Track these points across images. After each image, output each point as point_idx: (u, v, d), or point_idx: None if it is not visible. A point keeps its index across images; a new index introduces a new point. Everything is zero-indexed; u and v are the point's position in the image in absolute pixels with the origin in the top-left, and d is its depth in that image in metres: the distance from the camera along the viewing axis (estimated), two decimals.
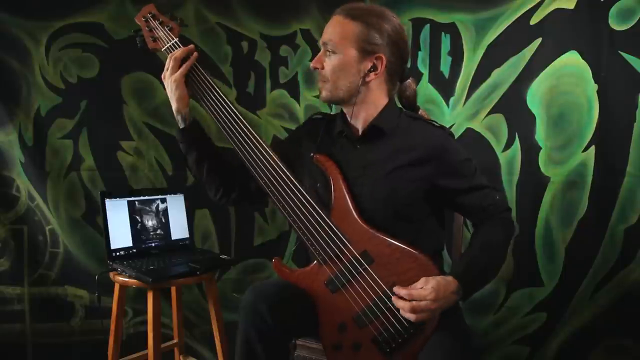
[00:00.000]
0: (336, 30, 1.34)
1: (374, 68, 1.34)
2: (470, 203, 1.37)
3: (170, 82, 1.42)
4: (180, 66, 1.42)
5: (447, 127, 2.09)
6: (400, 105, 1.48)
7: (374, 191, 1.34)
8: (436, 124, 1.41)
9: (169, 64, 1.43)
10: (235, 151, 1.41)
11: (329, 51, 1.35)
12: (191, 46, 1.45)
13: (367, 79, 1.35)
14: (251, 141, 1.38)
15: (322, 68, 1.36)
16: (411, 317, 1.18)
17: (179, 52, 1.43)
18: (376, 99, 1.39)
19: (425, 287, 1.18)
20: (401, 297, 1.20)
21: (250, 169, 1.38)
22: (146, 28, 1.55)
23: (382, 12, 1.36)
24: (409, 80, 1.46)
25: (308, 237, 1.31)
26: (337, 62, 1.34)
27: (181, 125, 1.47)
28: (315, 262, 1.32)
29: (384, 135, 1.37)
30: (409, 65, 2.20)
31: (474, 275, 1.27)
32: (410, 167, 1.34)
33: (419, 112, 1.50)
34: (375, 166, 1.36)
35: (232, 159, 1.50)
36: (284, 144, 1.60)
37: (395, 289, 1.22)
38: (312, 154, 1.40)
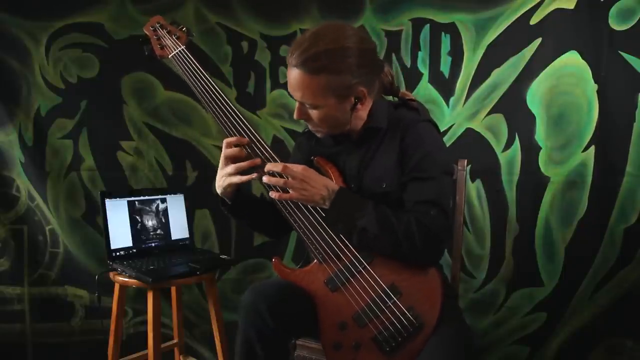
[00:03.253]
0: (307, 91, 1.28)
1: (358, 100, 1.32)
2: (405, 197, 1.31)
3: (228, 181, 1.36)
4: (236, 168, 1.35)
5: (447, 126, 2.12)
6: (383, 92, 1.47)
7: (372, 189, 1.35)
8: (411, 107, 1.40)
9: (227, 160, 1.36)
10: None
11: (308, 107, 1.32)
12: (257, 161, 1.36)
13: (356, 111, 1.34)
14: (253, 143, 1.38)
15: (309, 118, 1.35)
16: (265, 174, 1.30)
17: (245, 164, 1.35)
18: (365, 111, 1.38)
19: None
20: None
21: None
22: (154, 37, 1.59)
23: (340, 45, 1.25)
24: (385, 69, 1.44)
25: (308, 236, 1.32)
26: (322, 115, 1.31)
27: (229, 202, 1.43)
28: (315, 261, 1.32)
29: (377, 133, 1.38)
30: (409, 65, 2.23)
31: (355, 206, 1.27)
32: (390, 154, 1.34)
33: (400, 93, 1.49)
34: (369, 165, 1.37)
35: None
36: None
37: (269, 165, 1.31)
38: (312, 157, 1.42)
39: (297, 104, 1.34)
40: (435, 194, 1.28)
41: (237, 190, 1.41)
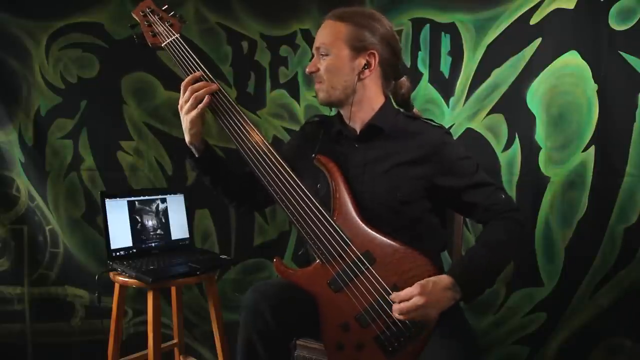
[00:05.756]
0: (328, 33, 1.36)
1: (367, 65, 1.35)
2: (472, 202, 1.35)
3: (187, 119, 1.38)
4: (198, 104, 1.37)
5: (447, 127, 2.12)
6: (395, 104, 1.49)
7: (373, 189, 1.35)
8: (434, 123, 1.41)
9: (187, 97, 1.37)
10: (240, 154, 1.40)
11: (322, 55, 1.37)
12: (214, 86, 1.39)
13: (362, 76, 1.36)
14: (258, 145, 1.37)
15: (317, 70, 1.38)
16: (400, 317, 1.18)
17: (201, 91, 1.37)
18: (372, 98, 1.40)
19: (413, 285, 1.18)
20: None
21: (255, 172, 1.37)
22: (145, 23, 1.52)
23: (372, 13, 1.39)
24: (403, 78, 1.47)
25: (311, 236, 1.31)
26: (331, 63, 1.36)
27: (196, 155, 1.45)
28: (317, 262, 1.32)
29: (382, 135, 1.38)
30: (409, 65, 2.23)
31: (471, 272, 1.24)
32: (409, 166, 1.34)
33: (413, 111, 1.51)
34: (374, 164, 1.37)
35: (243, 173, 1.50)
36: (285, 149, 1.60)
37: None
38: (313, 155, 1.41)
39: (313, 58, 1.39)
40: (492, 181, 1.37)
41: (207, 146, 1.45)
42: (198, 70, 1.42)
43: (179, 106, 1.41)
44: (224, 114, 1.40)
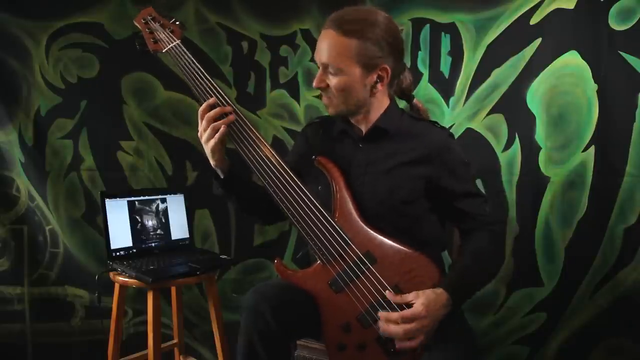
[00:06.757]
0: (333, 50, 1.30)
1: (380, 79, 1.34)
2: (463, 208, 1.37)
3: (208, 148, 1.37)
4: (215, 133, 1.34)
5: (447, 127, 2.12)
6: (396, 97, 1.48)
7: (374, 189, 1.35)
8: (438, 125, 1.42)
9: (205, 126, 1.35)
10: (239, 153, 1.40)
11: (331, 73, 1.32)
12: (230, 114, 1.37)
13: (375, 91, 1.35)
14: (257, 145, 1.37)
15: (327, 86, 1.34)
16: (405, 343, 1.18)
17: (219, 122, 1.34)
18: (380, 103, 1.40)
19: (416, 304, 1.18)
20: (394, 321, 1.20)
21: (255, 173, 1.37)
22: (146, 30, 1.54)
23: (373, 18, 1.31)
24: (405, 72, 1.47)
25: (311, 237, 1.31)
26: (343, 83, 1.31)
27: (221, 176, 1.45)
28: (318, 262, 1.32)
29: (387, 135, 1.38)
30: (409, 65, 2.22)
31: (464, 286, 1.27)
32: (412, 166, 1.34)
33: (414, 102, 1.51)
34: (376, 164, 1.37)
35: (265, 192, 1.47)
36: (290, 159, 1.57)
37: (383, 315, 1.22)
38: (314, 157, 1.41)
39: (319, 71, 1.34)
40: (482, 192, 1.42)
41: (230, 167, 1.44)
42: (198, 74, 1.42)
43: (198, 134, 1.38)
44: (239, 139, 1.38)
